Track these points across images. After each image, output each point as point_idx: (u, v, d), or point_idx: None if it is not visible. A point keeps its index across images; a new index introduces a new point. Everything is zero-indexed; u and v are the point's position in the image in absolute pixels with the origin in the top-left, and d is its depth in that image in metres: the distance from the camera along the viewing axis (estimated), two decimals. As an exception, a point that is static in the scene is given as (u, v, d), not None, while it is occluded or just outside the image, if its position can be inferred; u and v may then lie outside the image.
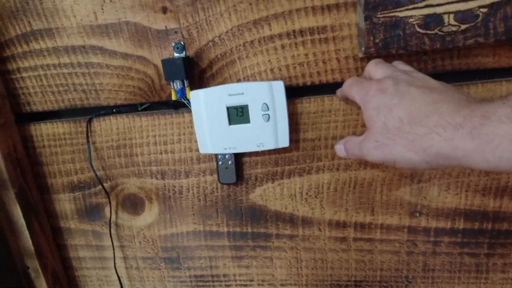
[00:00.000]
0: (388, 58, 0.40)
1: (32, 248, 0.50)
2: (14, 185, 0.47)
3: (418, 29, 0.36)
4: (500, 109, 0.25)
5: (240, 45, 0.42)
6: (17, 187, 0.48)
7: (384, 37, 0.37)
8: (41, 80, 0.47)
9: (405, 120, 0.30)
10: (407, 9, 0.35)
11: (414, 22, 0.36)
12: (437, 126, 0.28)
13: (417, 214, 0.46)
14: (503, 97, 0.26)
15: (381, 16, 0.36)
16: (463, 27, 0.35)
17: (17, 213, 0.49)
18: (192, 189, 0.50)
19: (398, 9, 0.35)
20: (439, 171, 0.44)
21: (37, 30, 0.44)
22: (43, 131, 0.50)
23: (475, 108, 0.27)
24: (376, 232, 0.48)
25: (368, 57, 0.40)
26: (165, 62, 0.41)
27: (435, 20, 0.35)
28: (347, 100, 0.41)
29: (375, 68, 0.36)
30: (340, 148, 0.39)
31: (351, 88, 0.36)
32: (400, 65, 0.37)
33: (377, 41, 0.37)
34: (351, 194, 0.47)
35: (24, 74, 0.47)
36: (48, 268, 0.53)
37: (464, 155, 0.26)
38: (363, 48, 0.38)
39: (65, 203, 0.53)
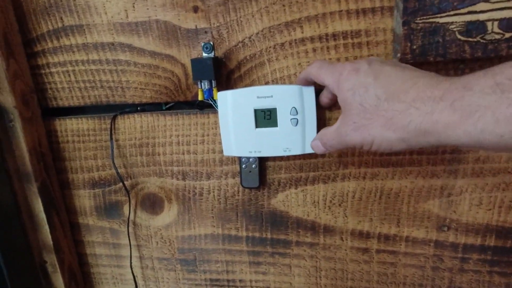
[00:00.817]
0: (424, 65, 0.38)
1: (51, 242, 0.50)
2: (37, 179, 0.48)
3: (459, 36, 0.34)
4: (482, 80, 0.24)
5: (270, 47, 0.41)
6: (40, 181, 0.48)
7: (422, 44, 0.35)
8: (69, 75, 0.47)
9: (382, 97, 0.29)
10: (448, 15, 0.34)
11: (455, 29, 0.34)
12: (416, 100, 0.27)
13: (445, 229, 0.45)
14: (482, 70, 0.25)
15: (420, 21, 0.35)
16: (507, 35, 0.34)
17: (38, 207, 0.49)
18: (213, 191, 0.49)
19: (439, 15, 0.34)
20: (471, 185, 0.42)
21: (68, 26, 0.44)
22: (67, 126, 0.50)
23: (455, 81, 0.25)
24: (400, 244, 0.46)
25: (402, 64, 0.38)
26: (194, 61, 0.41)
27: (477, 27, 0.34)
28: (307, 83, 0.39)
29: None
30: (316, 145, 0.37)
31: (320, 70, 0.35)
32: None
33: (414, 47, 0.36)
34: (377, 204, 0.45)
35: (53, 70, 0.47)
36: (65, 264, 0.53)
37: (445, 129, 0.25)
38: (398, 55, 0.37)
39: (84, 199, 0.53)
